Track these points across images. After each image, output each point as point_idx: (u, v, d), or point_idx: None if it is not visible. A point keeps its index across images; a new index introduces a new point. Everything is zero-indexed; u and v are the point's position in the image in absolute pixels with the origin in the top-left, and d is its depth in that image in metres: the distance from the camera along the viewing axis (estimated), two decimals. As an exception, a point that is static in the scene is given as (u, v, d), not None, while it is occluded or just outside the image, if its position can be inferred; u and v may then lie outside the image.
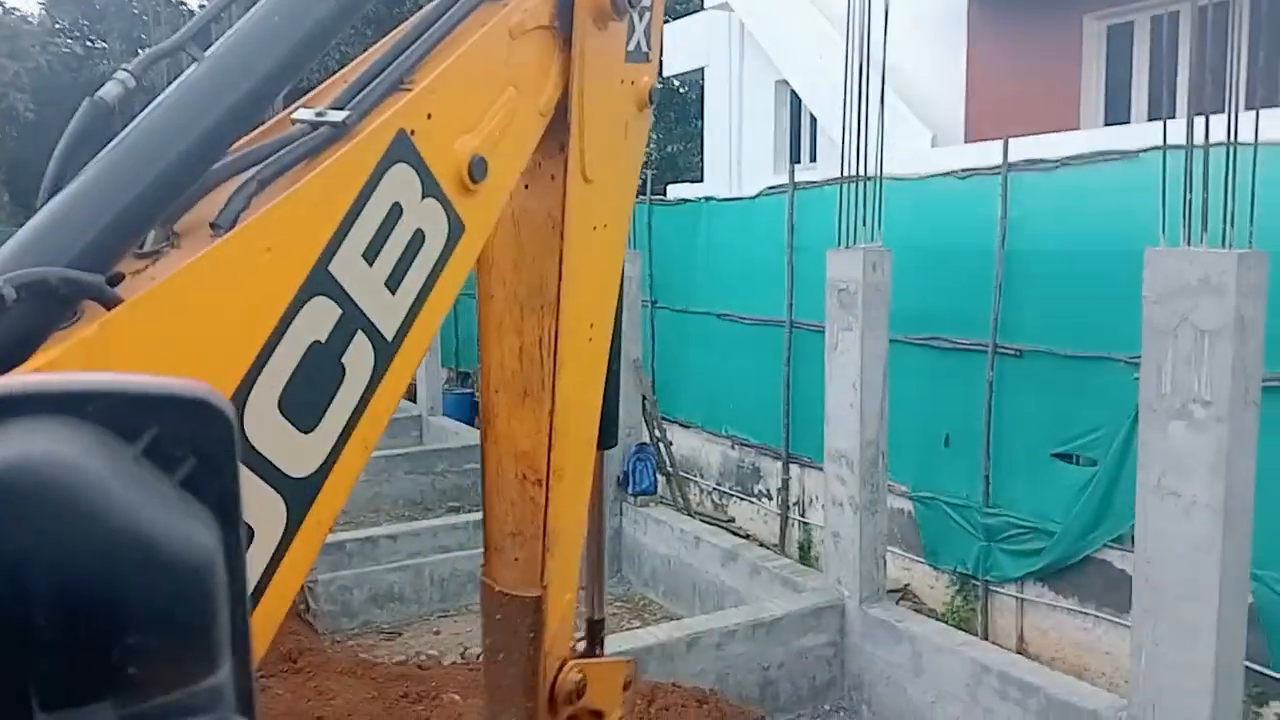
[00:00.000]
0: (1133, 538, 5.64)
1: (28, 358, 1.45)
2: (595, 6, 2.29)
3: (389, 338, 1.80)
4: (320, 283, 1.67)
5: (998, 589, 8.20)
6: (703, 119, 17.31)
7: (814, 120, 13.83)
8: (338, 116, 1.73)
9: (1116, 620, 7.14)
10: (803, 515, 10.48)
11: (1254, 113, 5.70)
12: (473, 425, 14.07)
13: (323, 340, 1.67)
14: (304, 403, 1.65)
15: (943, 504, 8.62)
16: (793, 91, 14.13)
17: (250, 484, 1.56)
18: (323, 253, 1.67)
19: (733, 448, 11.47)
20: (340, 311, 1.70)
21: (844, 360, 7.45)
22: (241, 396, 1.56)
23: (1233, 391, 5.08)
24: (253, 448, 1.57)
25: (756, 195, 11.22)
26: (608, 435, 2.82)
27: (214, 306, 1.54)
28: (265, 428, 1.59)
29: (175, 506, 0.44)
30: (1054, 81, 10.93)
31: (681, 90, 21.42)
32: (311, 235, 1.67)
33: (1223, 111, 5.63)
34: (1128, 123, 10.19)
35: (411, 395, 16.35)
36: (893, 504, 8.72)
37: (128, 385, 0.46)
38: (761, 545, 9.93)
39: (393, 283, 1.81)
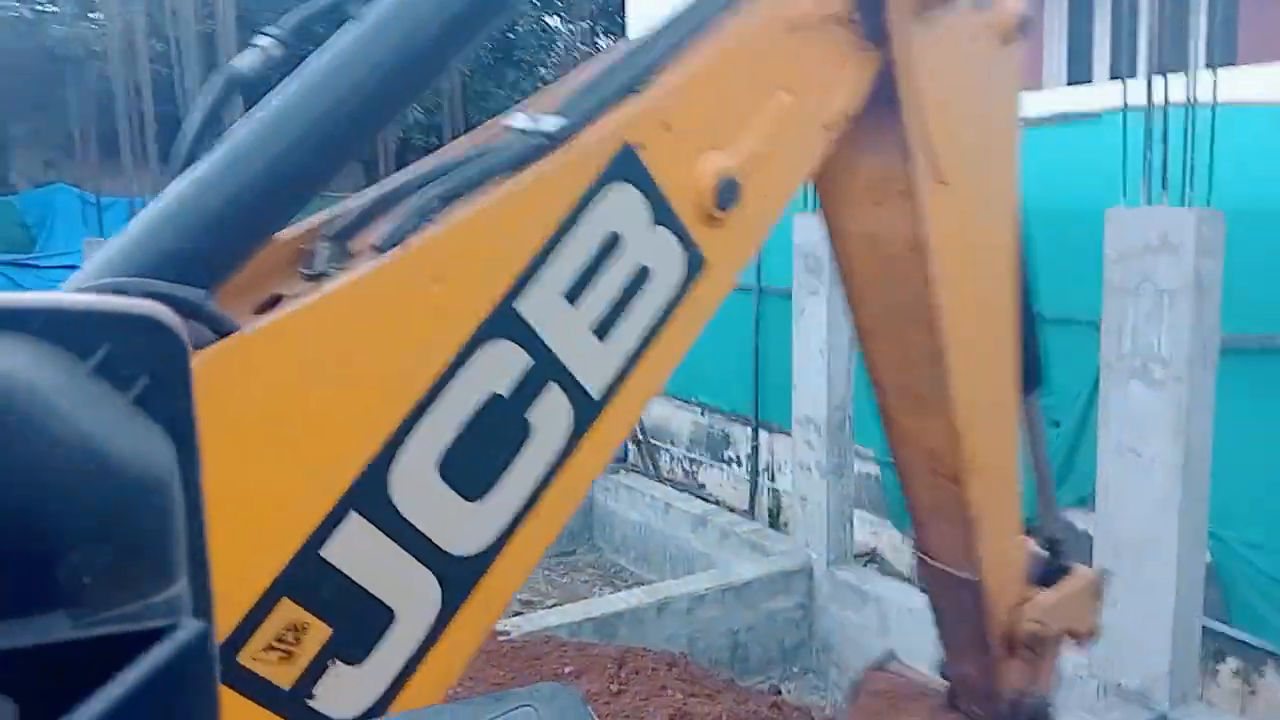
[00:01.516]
0: (1095, 498, 5.71)
1: None
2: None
3: (595, 395, 1.48)
4: (504, 324, 1.38)
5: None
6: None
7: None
8: (552, 125, 1.42)
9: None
10: (772, 481, 10.54)
11: (1212, 72, 5.71)
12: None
13: (504, 393, 1.39)
14: (473, 467, 1.38)
15: (910, 467, 8.69)
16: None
17: (396, 560, 1.31)
18: (511, 288, 1.38)
19: (702, 414, 11.50)
20: (529, 360, 1.41)
21: (810, 326, 7.47)
22: (388, 454, 1.30)
23: (1191, 351, 5.13)
24: (400, 517, 1.31)
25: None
26: (1026, 373, 2.47)
27: (361, 343, 1.29)
28: (418, 493, 1.33)
29: (128, 422, 0.44)
30: (1019, 43, 10.92)
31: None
32: (496, 266, 1.38)
33: (1182, 71, 5.64)
34: (1089, 82, 10.22)
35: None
36: (861, 469, 8.77)
37: (77, 303, 0.45)
38: (731, 511, 9.98)
39: (603, 328, 1.49)
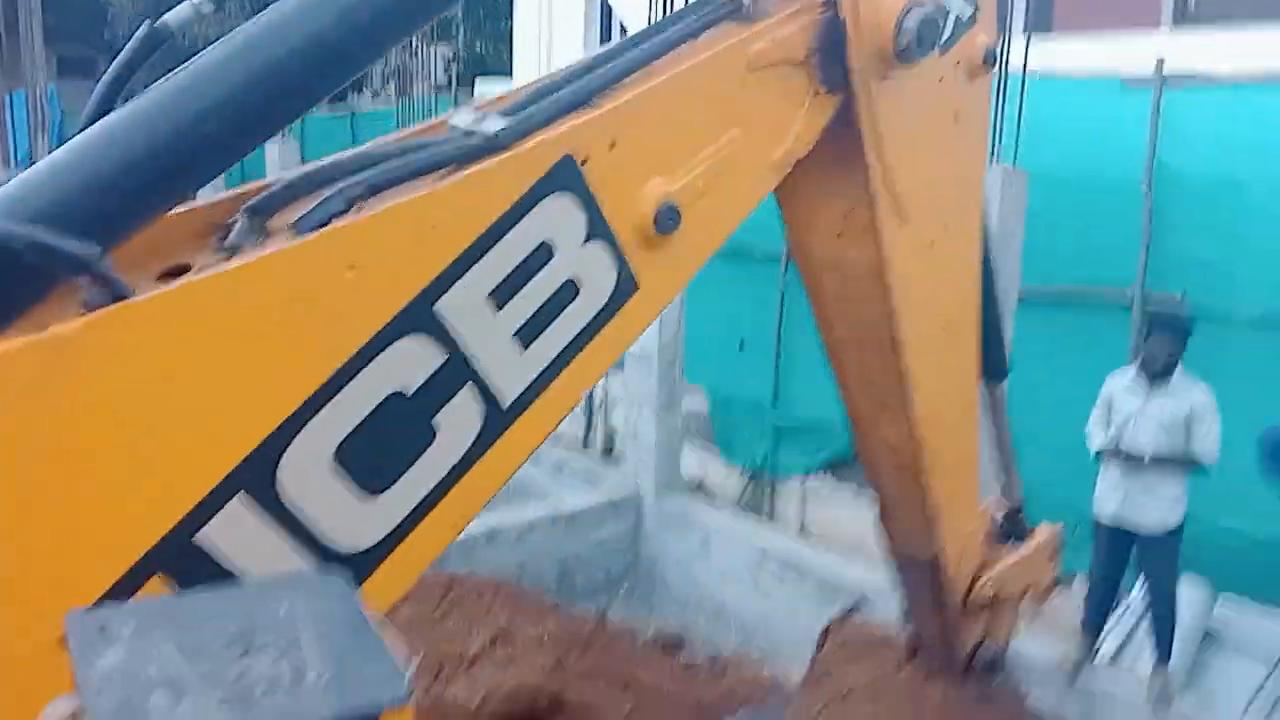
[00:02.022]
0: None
1: None
2: (877, 53, 1.74)
3: (506, 402, 1.43)
4: (420, 321, 1.33)
5: (784, 480, 8.71)
6: (512, 18, 16.93)
7: (623, 26, 13.79)
8: (495, 126, 1.39)
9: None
10: (607, 417, 10.73)
11: (1025, 38, 6.12)
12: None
13: (412, 390, 1.34)
14: (372, 461, 1.32)
15: (736, 404, 9.03)
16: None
17: (276, 548, 1.25)
18: (431, 284, 1.33)
19: (538, 350, 11.55)
20: (443, 358, 1.36)
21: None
22: (281, 440, 1.24)
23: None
24: (287, 503, 1.26)
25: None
26: (993, 366, 2.52)
27: (262, 324, 1.23)
28: (310, 481, 1.27)
29: None
30: None
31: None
32: (419, 261, 1.33)
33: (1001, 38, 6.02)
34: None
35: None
36: (691, 405, 9.06)
37: None
38: (567, 448, 10.12)
39: (524, 336, 1.45)
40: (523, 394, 1.46)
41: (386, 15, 1.35)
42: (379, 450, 1.33)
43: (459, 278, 1.36)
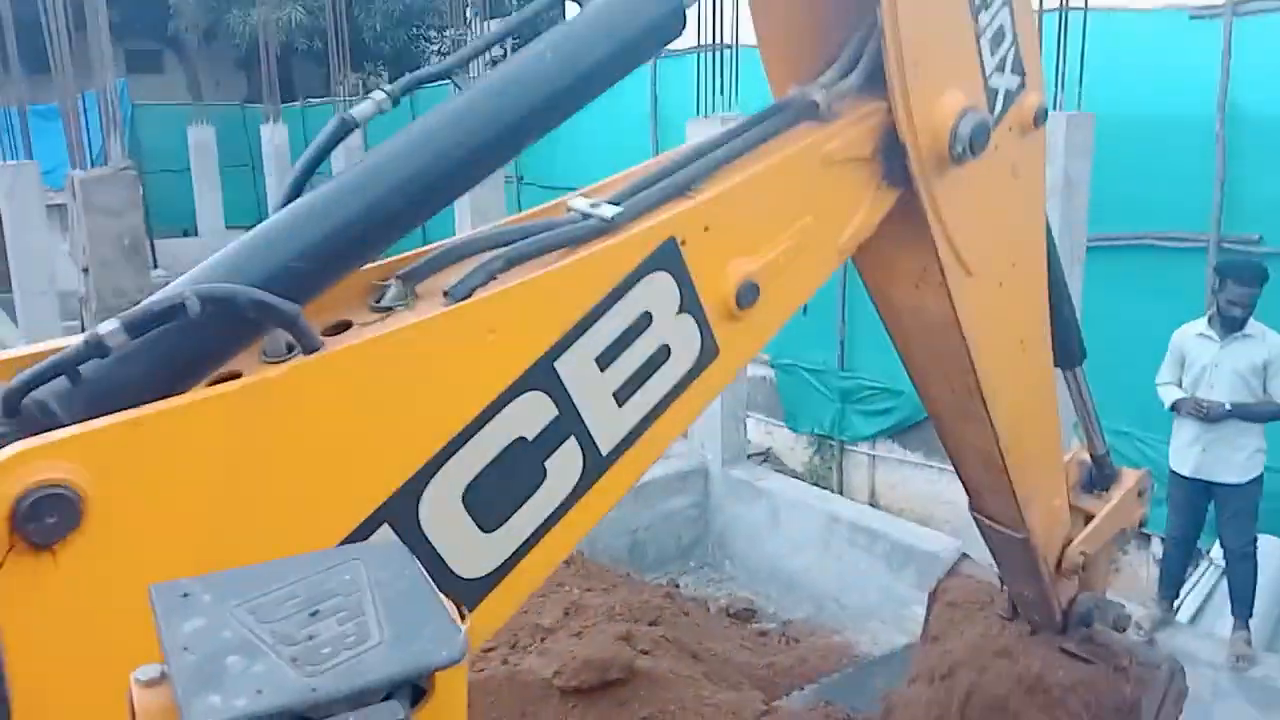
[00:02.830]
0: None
1: (201, 378, 1.38)
2: (934, 158, 1.91)
3: (604, 451, 1.64)
4: (541, 378, 1.55)
5: (852, 448, 8.61)
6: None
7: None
8: (609, 211, 1.61)
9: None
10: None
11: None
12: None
13: (529, 438, 1.55)
14: (492, 500, 1.53)
15: (802, 370, 8.94)
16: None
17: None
18: (552, 347, 1.55)
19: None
20: (556, 412, 1.57)
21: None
22: (425, 477, 1.46)
23: (1059, 249, 5.35)
24: (424, 535, 1.46)
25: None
26: (1069, 354, 2.62)
27: (421, 376, 1.45)
28: (441, 516, 1.48)
29: None
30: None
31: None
32: (545, 326, 1.55)
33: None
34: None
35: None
36: (755, 372, 8.99)
37: None
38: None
39: (623, 395, 1.65)
40: (618, 444, 1.66)
41: (532, 115, 1.63)
42: (498, 490, 1.54)
43: (575, 341, 1.58)
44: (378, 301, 1.55)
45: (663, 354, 1.69)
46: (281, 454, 1.36)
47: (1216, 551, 5.55)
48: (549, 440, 1.58)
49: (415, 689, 0.91)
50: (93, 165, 10.43)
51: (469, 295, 1.49)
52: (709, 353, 1.74)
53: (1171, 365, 5.27)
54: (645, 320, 1.66)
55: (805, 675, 5.51)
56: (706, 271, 1.71)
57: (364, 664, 0.89)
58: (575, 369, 1.58)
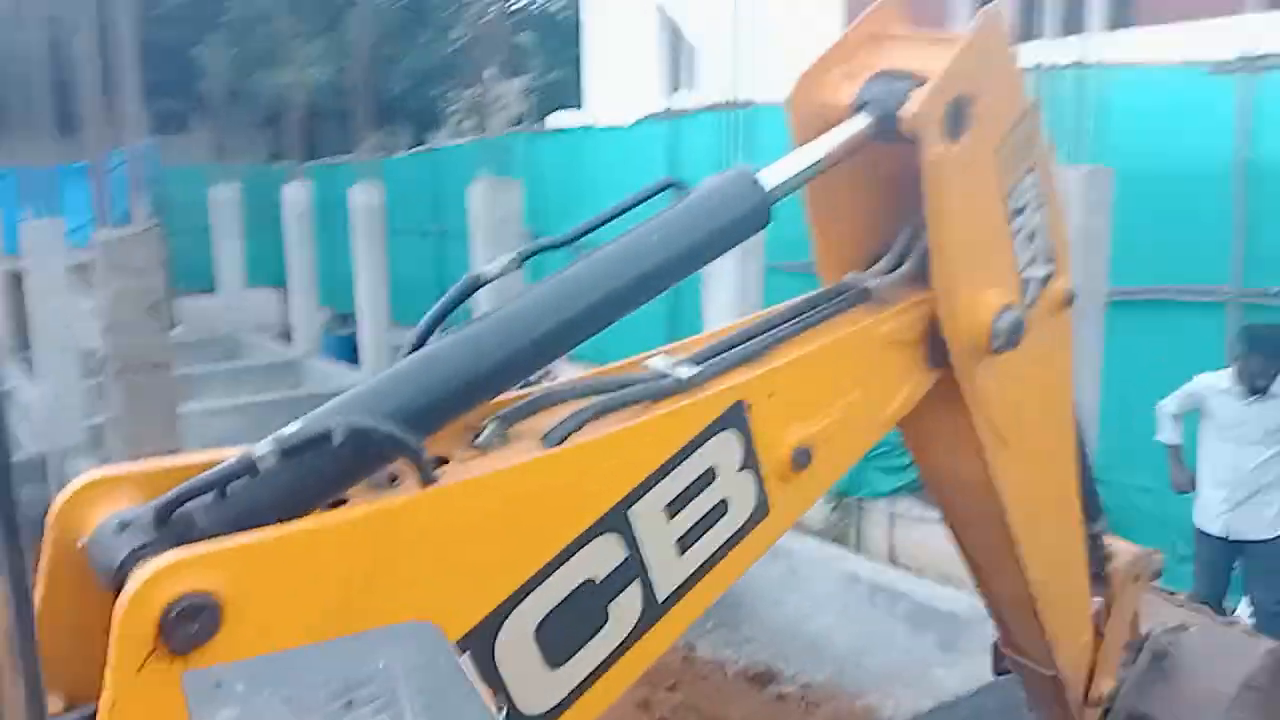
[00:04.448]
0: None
1: (330, 500, 1.49)
2: (973, 349, 2.05)
3: (660, 598, 1.72)
4: (616, 522, 1.64)
5: (870, 505, 8.49)
6: (579, 45, 17.09)
7: (693, 48, 13.77)
8: (687, 372, 1.75)
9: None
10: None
11: (1106, 34, 5.88)
12: (354, 363, 13.83)
13: (598, 580, 1.63)
14: (560, 637, 1.60)
15: (820, 424, 8.86)
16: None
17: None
18: (629, 493, 1.65)
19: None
20: (624, 555, 1.66)
21: (721, 287, 7.55)
22: (506, 610, 1.53)
23: (1077, 306, 5.30)
24: (495, 667, 1.53)
25: (634, 123, 11.15)
26: (1091, 513, 2.71)
27: (516, 513, 1.54)
28: (514, 650, 1.55)
29: None
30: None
31: (561, 16, 21.09)
32: (624, 475, 1.65)
33: (1077, 33, 5.80)
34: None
35: (287, 336, 15.91)
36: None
37: None
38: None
39: (684, 544, 1.74)
40: (674, 591, 1.74)
41: (677, 259, 1.77)
42: (566, 629, 1.60)
43: (648, 491, 1.67)
44: (474, 439, 1.64)
45: (722, 508, 1.79)
46: (390, 577, 1.45)
47: (1244, 609, 5.40)
48: (615, 583, 1.66)
49: None
50: (119, 223, 10.56)
51: (563, 440, 1.60)
52: (761, 510, 1.84)
53: (1183, 402, 5.22)
54: (710, 475, 1.76)
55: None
56: (768, 434, 1.82)
57: None
58: (646, 516, 1.68)
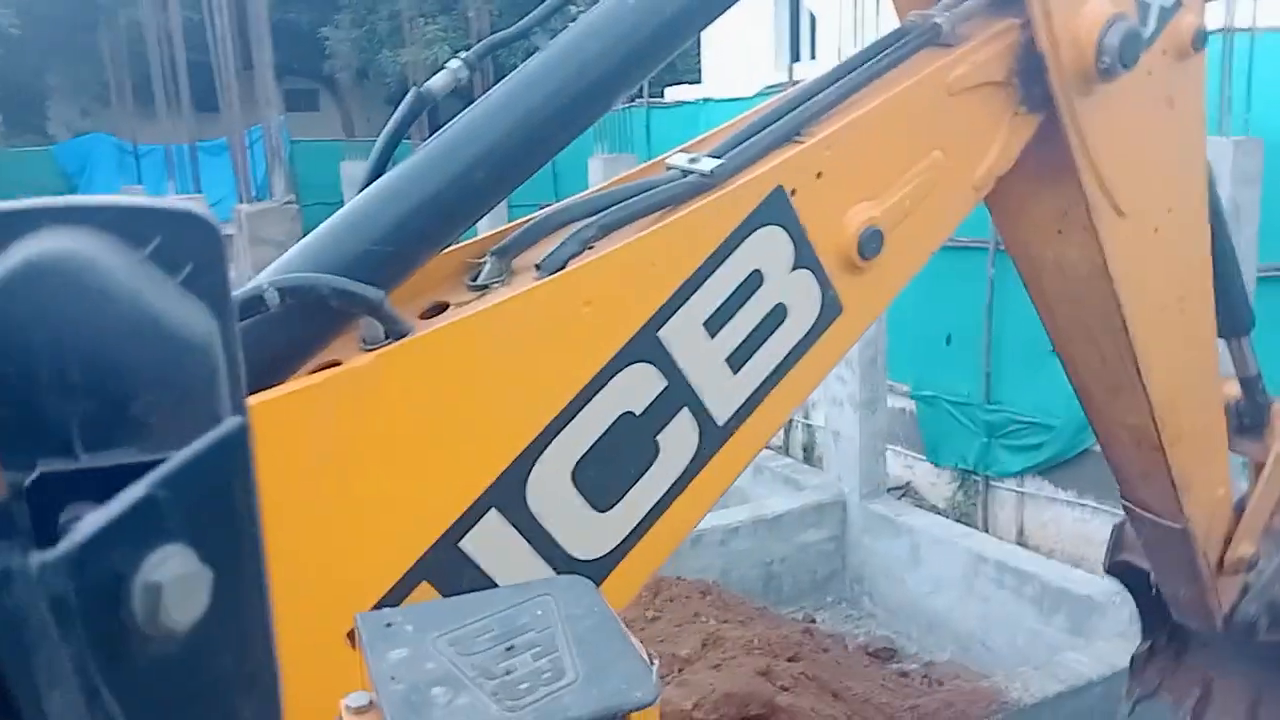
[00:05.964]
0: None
1: (294, 370, 1.36)
2: (1078, 73, 1.74)
3: (720, 422, 1.55)
4: (645, 349, 1.47)
5: (998, 484, 8.33)
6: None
7: (813, 16, 13.57)
8: (709, 165, 1.51)
9: (1115, 511, 7.26)
10: (806, 417, 10.59)
11: (1254, -3, 5.60)
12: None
13: (637, 413, 1.48)
14: (604, 479, 1.47)
15: (944, 402, 8.71)
16: (792, -12, 13.83)
17: (525, 557, 1.41)
18: (654, 316, 1.47)
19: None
20: (664, 384, 1.49)
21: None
22: (530, 459, 1.41)
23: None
24: (534, 518, 1.42)
25: (755, 95, 11.06)
26: (1236, 321, 2.42)
27: (514, 355, 1.40)
28: (551, 498, 1.43)
29: (178, 297, 0.52)
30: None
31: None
32: (644, 295, 1.47)
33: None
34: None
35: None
36: (895, 404, 8.81)
37: (132, 202, 0.54)
38: (766, 447, 10.07)
39: (736, 361, 1.56)
40: (735, 414, 1.56)
41: (617, 69, 1.53)
42: (609, 468, 1.47)
43: (679, 308, 1.48)
44: (474, 280, 1.48)
45: (778, 315, 1.58)
46: (376, 443, 1.33)
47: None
48: (659, 413, 1.49)
49: None
50: (257, 198, 11.04)
51: (562, 267, 1.41)
52: (831, 310, 1.62)
53: None
54: (756, 280, 1.54)
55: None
56: (822, 222, 1.58)
57: (562, 702, 0.90)
58: (681, 337, 1.49)
